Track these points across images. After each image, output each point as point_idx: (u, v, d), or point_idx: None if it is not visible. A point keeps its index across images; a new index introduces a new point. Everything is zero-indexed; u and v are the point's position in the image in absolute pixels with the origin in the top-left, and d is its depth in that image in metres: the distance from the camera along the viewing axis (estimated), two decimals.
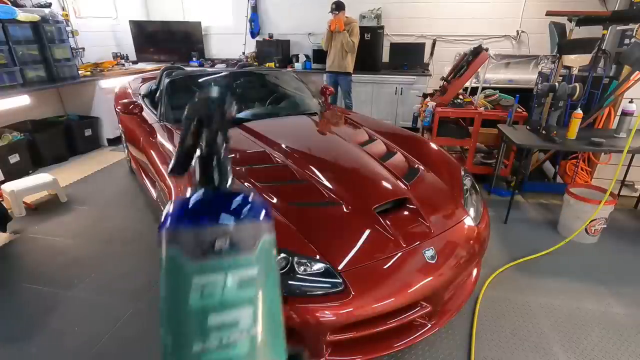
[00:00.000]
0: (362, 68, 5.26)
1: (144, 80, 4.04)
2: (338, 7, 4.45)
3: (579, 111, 2.83)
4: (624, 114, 2.89)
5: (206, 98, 0.46)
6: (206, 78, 3.09)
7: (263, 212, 0.46)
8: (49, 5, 4.22)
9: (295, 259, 1.46)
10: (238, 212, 0.43)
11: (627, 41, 3.44)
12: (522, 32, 4.98)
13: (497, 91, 3.86)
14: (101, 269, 2.39)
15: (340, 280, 1.44)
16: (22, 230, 2.83)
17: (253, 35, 5.93)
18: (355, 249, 1.56)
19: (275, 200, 1.71)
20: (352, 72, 4.70)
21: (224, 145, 0.46)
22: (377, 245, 1.59)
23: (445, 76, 3.79)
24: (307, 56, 5.56)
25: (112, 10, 5.58)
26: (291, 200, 1.73)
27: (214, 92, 0.47)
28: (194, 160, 0.46)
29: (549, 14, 3.42)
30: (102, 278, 2.31)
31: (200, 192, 0.45)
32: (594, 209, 2.59)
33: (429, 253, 1.61)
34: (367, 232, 1.63)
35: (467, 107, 3.66)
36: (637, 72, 2.90)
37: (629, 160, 3.18)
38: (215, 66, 5.82)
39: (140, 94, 3.41)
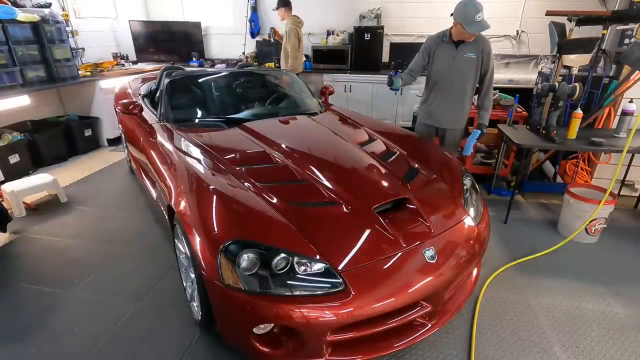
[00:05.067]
0: (362, 68, 5.27)
1: (144, 80, 4.04)
2: (277, 5, 4.44)
3: (579, 111, 2.83)
4: (624, 113, 2.90)
5: None
6: (206, 78, 3.09)
7: None
8: (49, 6, 4.22)
9: (295, 259, 1.46)
10: None
11: (627, 41, 3.45)
12: (522, 32, 4.98)
13: (497, 91, 3.86)
14: (101, 269, 2.39)
15: (340, 280, 1.44)
16: (22, 231, 2.83)
17: (253, 35, 5.93)
18: (355, 248, 1.55)
19: (275, 200, 1.71)
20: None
21: None
22: (377, 245, 1.59)
23: None
24: (307, 56, 5.55)
25: (112, 10, 5.58)
26: (291, 200, 1.73)
27: None
28: None
29: (548, 13, 3.42)
30: (102, 278, 2.31)
31: None
32: (593, 208, 2.59)
33: (429, 253, 1.61)
34: (367, 232, 1.63)
35: None
36: (637, 71, 2.90)
37: (629, 160, 3.19)
38: (215, 66, 5.82)
39: (140, 94, 3.41)
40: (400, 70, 2.81)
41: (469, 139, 2.82)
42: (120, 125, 3.75)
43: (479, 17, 2.36)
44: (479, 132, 2.74)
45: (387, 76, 2.81)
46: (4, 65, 3.56)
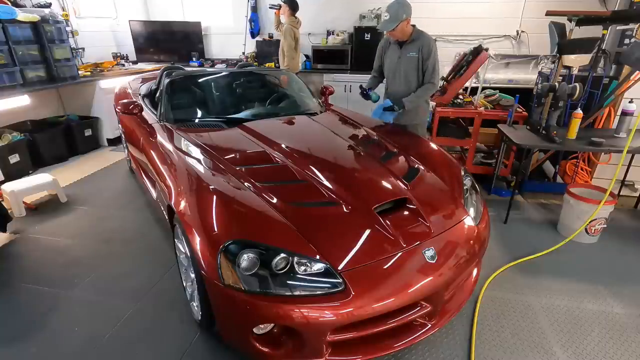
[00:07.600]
0: (362, 68, 5.26)
1: (144, 80, 4.04)
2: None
3: (579, 111, 2.83)
4: (624, 113, 2.90)
5: None
6: (206, 78, 3.09)
7: None
8: (49, 6, 4.22)
9: (295, 259, 1.46)
10: None
11: (627, 41, 3.44)
12: (522, 32, 4.98)
13: (497, 91, 3.86)
14: (101, 269, 2.39)
15: (340, 280, 1.44)
16: (22, 231, 2.83)
17: (253, 35, 5.93)
18: (356, 248, 1.55)
19: (275, 200, 1.71)
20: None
21: None
22: (377, 245, 1.59)
23: (445, 76, 3.79)
24: (306, 56, 5.56)
25: (112, 10, 5.58)
26: (291, 200, 1.73)
27: None
28: None
29: (549, 13, 3.42)
30: (102, 278, 2.31)
31: None
32: (593, 208, 2.59)
33: (429, 253, 1.61)
34: (367, 232, 1.63)
35: (467, 107, 3.66)
36: (637, 72, 2.90)
37: (628, 160, 3.19)
38: (215, 66, 5.82)
39: (140, 94, 3.41)
40: (369, 88, 3.09)
41: (378, 105, 3.00)
42: (120, 125, 3.75)
43: (385, 16, 2.63)
44: (390, 103, 2.88)
45: (361, 95, 3.07)
46: (4, 65, 3.56)
